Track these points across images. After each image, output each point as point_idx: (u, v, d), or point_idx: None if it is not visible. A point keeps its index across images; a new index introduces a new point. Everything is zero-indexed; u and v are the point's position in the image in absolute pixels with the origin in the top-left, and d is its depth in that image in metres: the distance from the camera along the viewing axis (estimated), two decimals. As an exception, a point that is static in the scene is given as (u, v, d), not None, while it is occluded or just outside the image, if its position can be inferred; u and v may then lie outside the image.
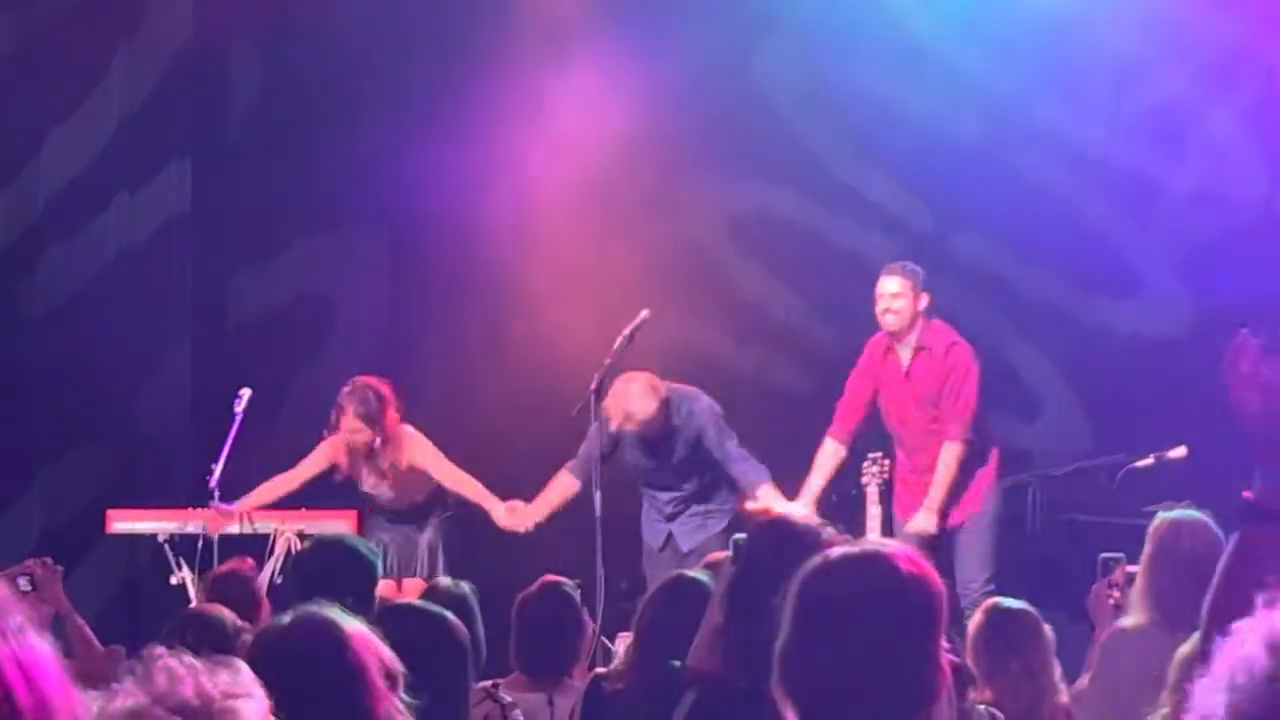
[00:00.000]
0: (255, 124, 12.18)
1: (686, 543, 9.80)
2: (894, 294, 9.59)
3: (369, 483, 10.30)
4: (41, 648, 1.69)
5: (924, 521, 9.45)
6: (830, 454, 9.82)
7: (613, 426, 9.69)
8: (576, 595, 6.82)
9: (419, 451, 10.21)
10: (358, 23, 12.05)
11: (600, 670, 5.83)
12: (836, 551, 3.11)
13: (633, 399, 9.62)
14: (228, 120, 12.24)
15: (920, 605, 3.03)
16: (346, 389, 10.18)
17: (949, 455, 9.50)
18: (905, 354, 9.68)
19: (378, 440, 10.16)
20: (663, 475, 9.89)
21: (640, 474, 9.99)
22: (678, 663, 4.22)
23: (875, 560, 3.07)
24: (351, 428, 10.11)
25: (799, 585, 3.06)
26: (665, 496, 9.94)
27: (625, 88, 11.61)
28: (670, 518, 9.94)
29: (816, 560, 3.09)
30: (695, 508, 9.89)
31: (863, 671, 2.97)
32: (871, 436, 10.26)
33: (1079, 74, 11.57)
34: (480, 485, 10.19)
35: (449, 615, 4.54)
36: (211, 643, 5.08)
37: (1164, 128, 11.48)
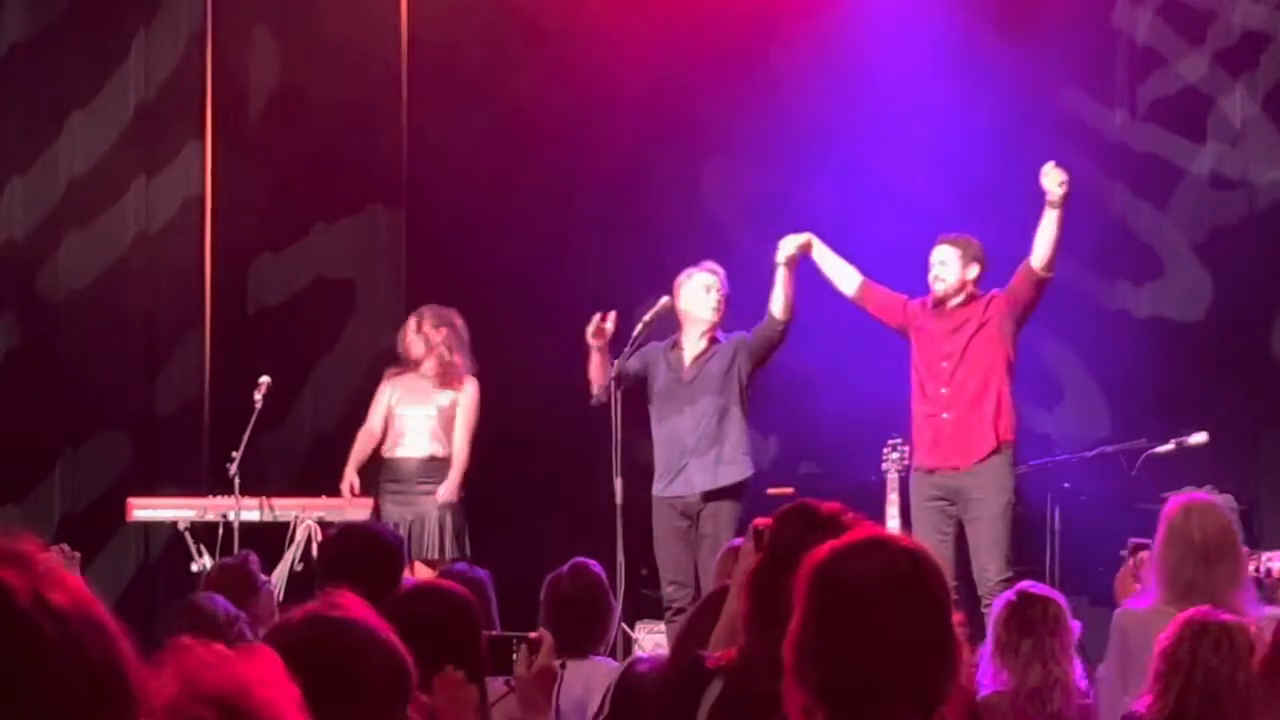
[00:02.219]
0: (274, 108, 12.18)
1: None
2: (941, 261, 9.57)
3: (408, 419, 10.26)
4: (116, 628, 1.73)
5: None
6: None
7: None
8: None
9: (464, 398, 10.21)
10: (375, 5, 12.05)
11: (637, 655, 5.84)
12: (841, 541, 3.10)
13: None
14: (246, 104, 12.25)
15: (929, 586, 3.02)
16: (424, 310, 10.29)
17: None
18: (951, 317, 9.62)
19: (440, 356, 10.16)
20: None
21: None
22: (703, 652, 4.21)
23: (881, 546, 3.07)
24: (426, 332, 10.13)
25: (808, 576, 3.06)
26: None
27: (643, 67, 11.60)
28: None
29: (822, 551, 3.08)
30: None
31: (881, 659, 2.96)
32: (889, 423, 10.24)
33: (1099, 58, 11.56)
34: (463, 462, 10.17)
35: (468, 597, 4.53)
36: (205, 632, 5.11)
37: (1184, 112, 11.47)
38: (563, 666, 5.93)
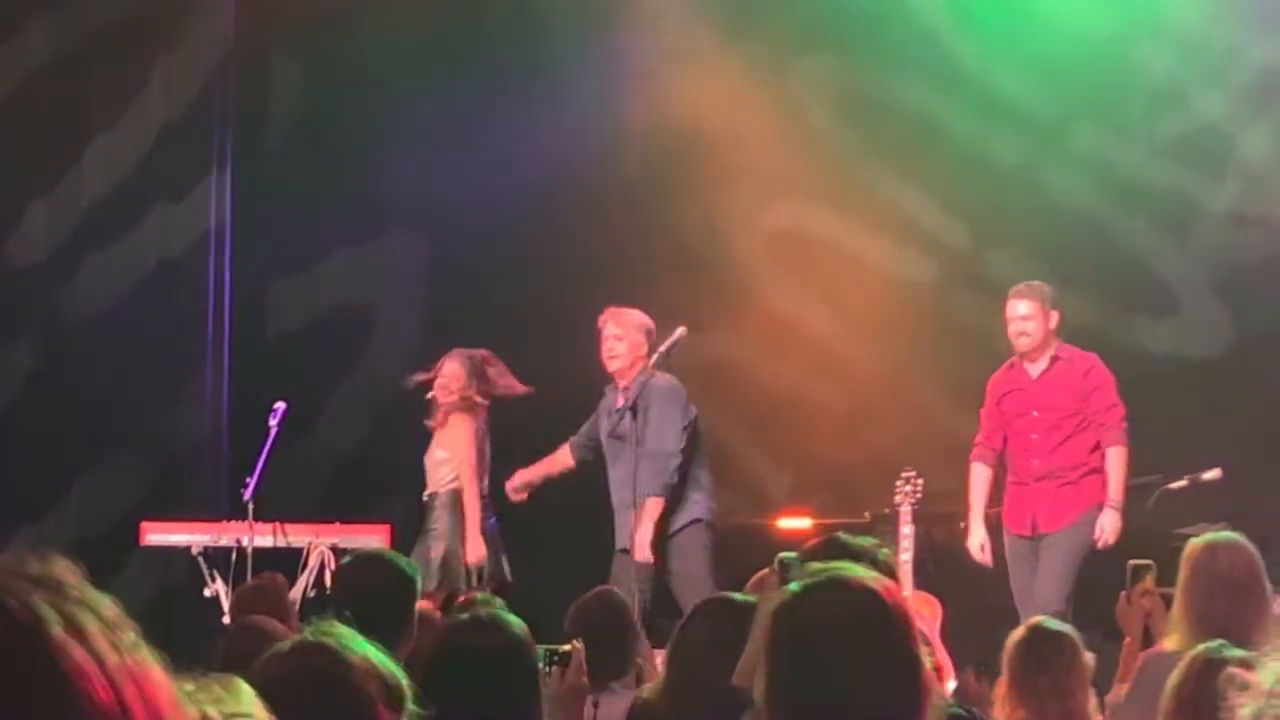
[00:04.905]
0: (295, 134, 12.23)
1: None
2: (1024, 315, 9.53)
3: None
4: (155, 665, 1.67)
5: (1112, 521, 9.41)
6: (983, 478, 9.73)
7: None
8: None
9: (462, 424, 10.22)
10: (397, 33, 12.09)
11: (642, 690, 5.84)
12: (799, 583, 3.06)
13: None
14: (268, 131, 12.29)
15: (895, 626, 2.98)
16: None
17: (1117, 457, 9.49)
18: (1035, 368, 9.64)
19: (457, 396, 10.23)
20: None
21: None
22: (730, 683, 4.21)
23: (844, 586, 3.03)
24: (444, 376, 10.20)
25: (772, 620, 3.02)
26: None
27: (662, 101, 11.64)
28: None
29: (783, 593, 3.04)
30: None
31: (847, 701, 2.93)
32: (904, 455, 10.24)
33: (1117, 95, 11.58)
34: (471, 499, 10.19)
35: (518, 628, 4.50)
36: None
37: (1202, 149, 11.48)
38: (595, 705, 5.95)
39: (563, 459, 10.15)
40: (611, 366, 9.82)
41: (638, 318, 9.87)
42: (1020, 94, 11.60)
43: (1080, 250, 11.46)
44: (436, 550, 10.06)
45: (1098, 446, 9.52)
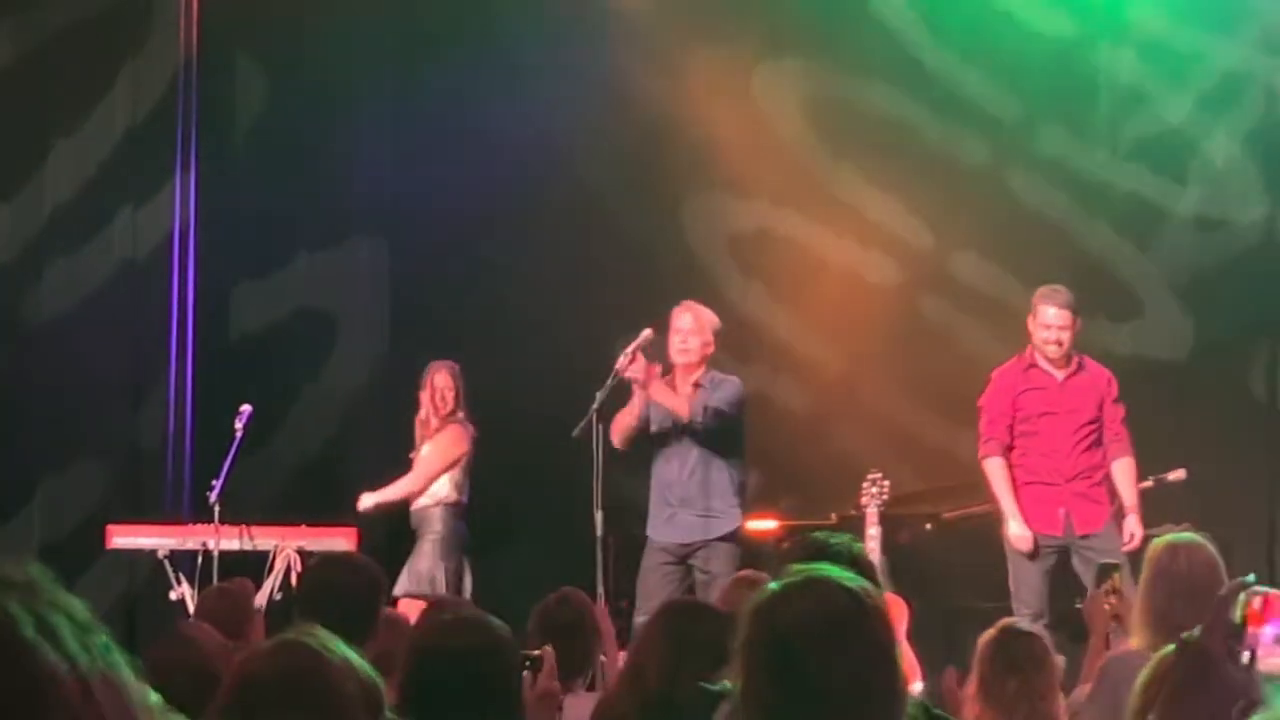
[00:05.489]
0: (258, 138, 12.20)
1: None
2: (1063, 325, 9.54)
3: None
4: (125, 668, 1.66)
5: (1137, 528, 9.45)
6: (1005, 469, 9.66)
7: None
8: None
9: (442, 436, 10.22)
10: (359, 37, 12.09)
11: (606, 692, 5.84)
12: (776, 583, 3.04)
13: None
14: (231, 134, 12.27)
15: (872, 626, 2.97)
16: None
17: (1131, 469, 9.56)
18: (1059, 372, 9.63)
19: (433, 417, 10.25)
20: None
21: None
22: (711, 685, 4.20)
23: (821, 586, 3.01)
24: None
25: (749, 620, 3.00)
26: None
27: (628, 104, 11.66)
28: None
29: (760, 596, 3.03)
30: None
31: (823, 702, 2.92)
32: (869, 457, 10.26)
33: (1081, 99, 11.64)
34: (404, 485, 10.19)
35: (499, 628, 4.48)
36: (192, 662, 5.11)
37: (1165, 153, 11.54)
38: (560, 709, 5.94)
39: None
40: (680, 360, 9.72)
41: (713, 316, 9.81)
42: (985, 97, 11.65)
43: (1043, 252, 11.51)
44: (424, 559, 10.08)
45: (1105, 454, 9.56)
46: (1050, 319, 9.49)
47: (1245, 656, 2.99)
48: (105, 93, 12.07)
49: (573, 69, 11.75)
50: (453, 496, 10.26)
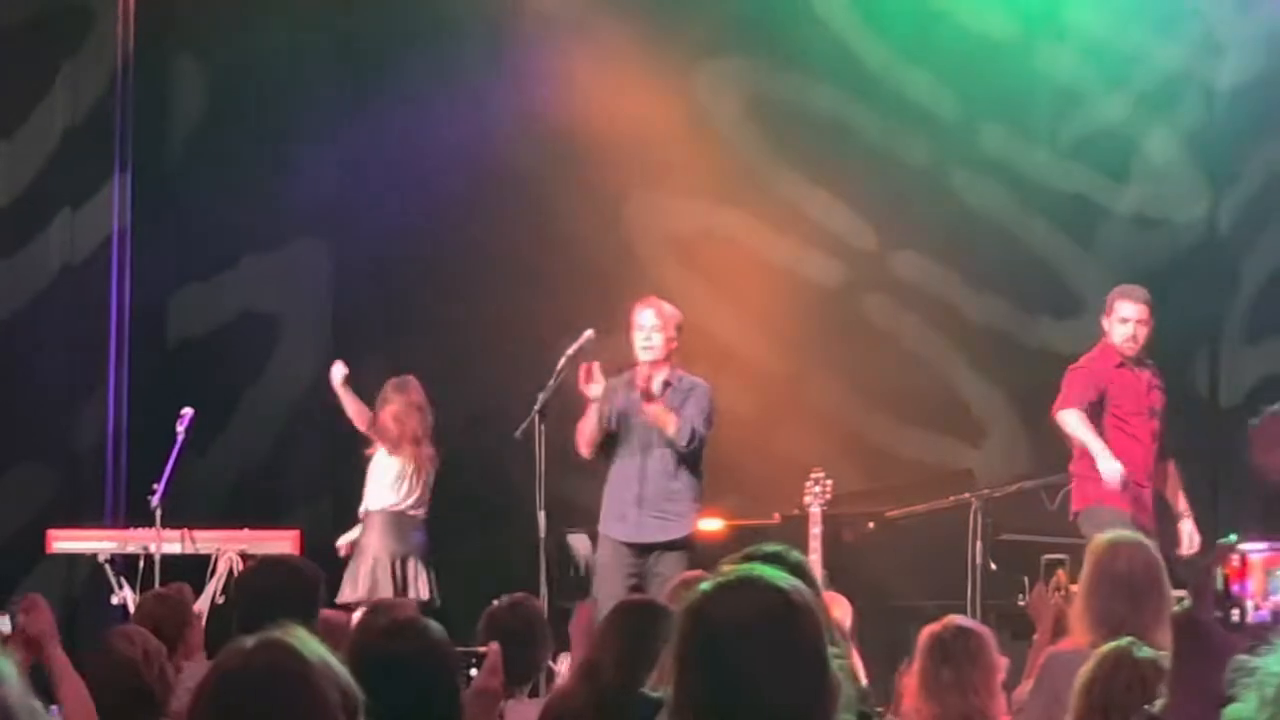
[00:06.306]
0: (198, 140, 12.15)
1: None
2: (1143, 320, 9.58)
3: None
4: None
5: (1195, 533, 9.51)
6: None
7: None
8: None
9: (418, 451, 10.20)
10: (299, 40, 12.04)
11: (555, 691, 5.83)
12: (708, 583, 3.03)
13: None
14: (170, 136, 12.21)
15: (803, 625, 2.96)
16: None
17: (1177, 472, 9.72)
18: (1142, 371, 9.67)
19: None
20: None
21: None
22: (649, 690, 4.20)
23: (752, 585, 3.00)
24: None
25: (681, 620, 2.99)
26: None
27: (568, 104, 11.65)
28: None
29: (693, 595, 3.01)
30: None
31: (755, 700, 2.91)
32: (812, 456, 10.26)
33: (1022, 99, 11.68)
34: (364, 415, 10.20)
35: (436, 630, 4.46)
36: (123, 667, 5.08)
37: (1106, 152, 11.59)
38: (501, 716, 5.93)
39: None
40: (645, 357, 9.58)
41: (675, 311, 9.68)
42: (927, 97, 11.68)
43: (986, 252, 11.56)
44: (365, 564, 10.04)
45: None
46: (1129, 313, 9.55)
47: (1235, 615, 3.02)
48: (43, 94, 12.00)
49: (516, 68, 11.74)
50: (392, 500, 10.19)
